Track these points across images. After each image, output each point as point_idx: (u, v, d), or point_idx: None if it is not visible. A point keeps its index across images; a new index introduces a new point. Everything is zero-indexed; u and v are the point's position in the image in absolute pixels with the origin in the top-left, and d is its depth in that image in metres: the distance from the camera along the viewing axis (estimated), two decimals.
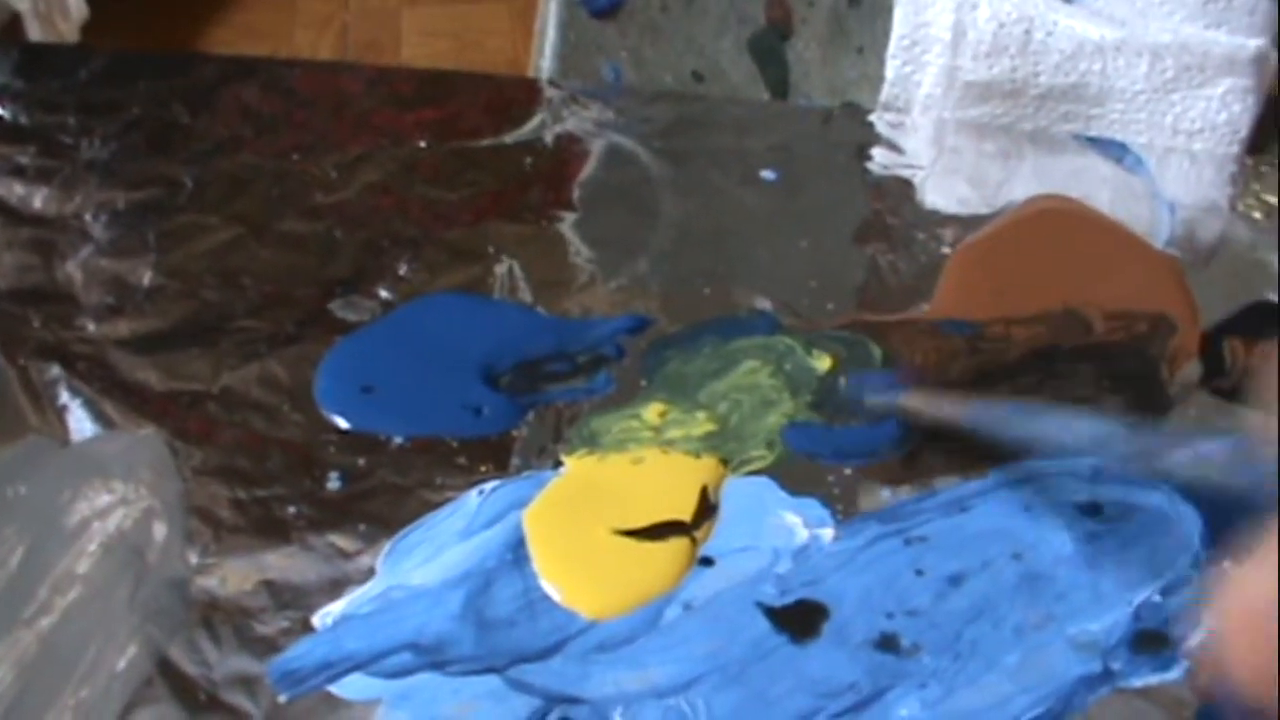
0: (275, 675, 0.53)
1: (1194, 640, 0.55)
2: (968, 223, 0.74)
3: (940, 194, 0.76)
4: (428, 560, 0.57)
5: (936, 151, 0.80)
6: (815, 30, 0.88)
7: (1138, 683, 0.54)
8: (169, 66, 0.81)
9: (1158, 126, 0.83)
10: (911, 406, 0.61)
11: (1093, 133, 0.82)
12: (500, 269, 0.69)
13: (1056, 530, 0.59)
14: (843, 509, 0.59)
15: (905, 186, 0.76)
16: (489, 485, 0.59)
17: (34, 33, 1.69)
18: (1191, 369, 0.66)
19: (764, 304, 0.68)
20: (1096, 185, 0.78)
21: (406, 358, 0.64)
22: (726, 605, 0.56)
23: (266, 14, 1.97)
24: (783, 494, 0.60)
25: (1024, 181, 0.78)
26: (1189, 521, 0.59)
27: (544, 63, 0.86)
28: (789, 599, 0.56)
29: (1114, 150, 0.81)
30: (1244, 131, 0.83)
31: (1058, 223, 0.75)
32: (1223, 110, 0.82)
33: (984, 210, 0.75)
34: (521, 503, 0.59)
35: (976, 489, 0.60)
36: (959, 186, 0.77)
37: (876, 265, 0.71)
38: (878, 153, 0.78)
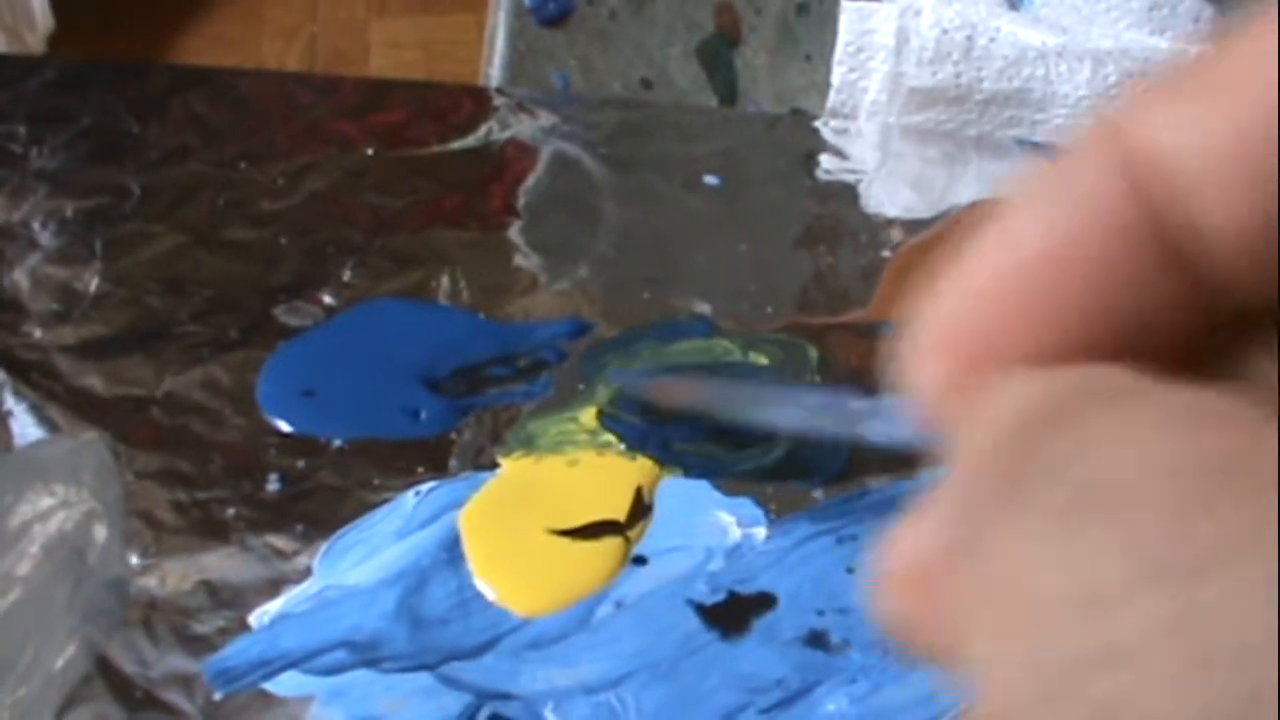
0: (211, 673, 0.54)
1: None
2: (910, 227, 0.75)
3: (884, 199, 0.77)
4: (364, 560, 0.57)
5: (881, 156, 0.80)
6: (763, 38, 0.89)
7: None
8: (120, 76, 0.81)
9: None
10: (659, 393, 0.61)
11: (1037, 138, 0.83)
12: (444, 275, 0.69)
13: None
14: (775, 508, 0.60)
15: (849, 191, 0.77)
16: (426, 486, 0.60)
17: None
18: None
19: (703, 308, 0.68)
20: None
21: (348, 362, 0.65)
22: (658, 603, 0.57)
23: (234, 25, 1.97)
24: (717, 494, 0.61)
25: (968, 186, 0.79)
26: None
27: (493, 71, 0.87)
28: (720, 597, 0.57)
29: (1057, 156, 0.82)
30: None
31: None
32: None
33: (927, 215, 0.76)
34: (458, 504, 0.59)
35: (908, 488, 0.61)
36: (903, 191, 0.78)
37: (818, 269, 0.72)
38: (823, 158, 0.79)
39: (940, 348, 0.20)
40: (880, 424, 0.24)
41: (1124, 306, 0.19)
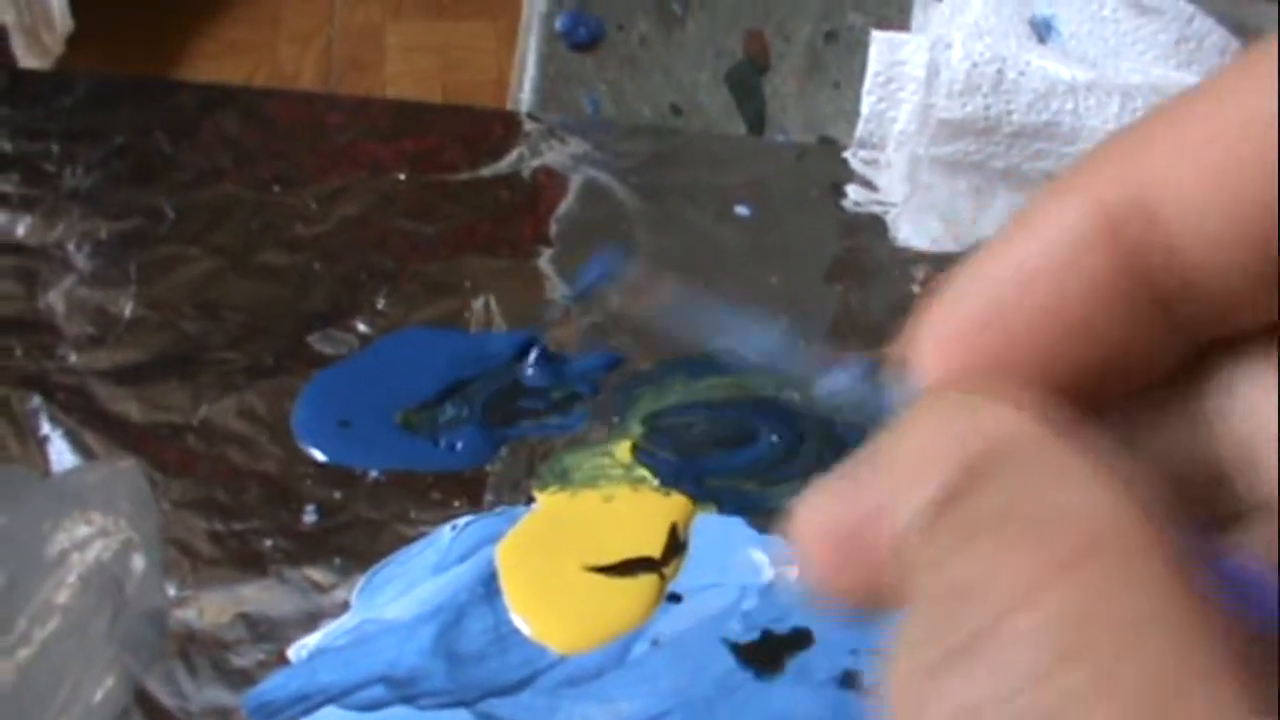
0: (250, 707, 0.54)
1: None
2: (939, 261, 0.75)
3: (912, 231, 0.77)
4: (401, 594, 0.58)
5: (910, 188, 0.81)
6: (792, 64, 0.89)
7: None
8: (151, 94, 0.82)
9: None
10: (627, 292, 0.61)
11: (1064, 171, 0.84)
12: (476, 303, 0.70)
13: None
14: None
15: (878, 223, 0.77)
16: (462, 520, 0.60)
17: (18, 45, 1.70)
18: None
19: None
20: None
21: (382, 392, 0.65)
22: (693, 641, 0.57)
23: (250, 28, 1.98)
24: (751, 531, 0.61)
25: (995, 219, 0.79)
26: None
27: (524, 95, 0.87)
28: (754, 635, 0.57)
29: None
30: None
31: None
32: None
33: (955, 248, 0.76)
34: (494, 538, 0.60)
35: None
36: (931, 223, 0.78)
37: (848, 303, 0.72)
38: (851, 189, 0.79)
39: (934, 343, 0.22)
40: (834, 382, 0.25)
41: (1093, 333, 0.21)
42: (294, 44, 1.96)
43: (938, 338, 0.22)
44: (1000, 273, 0.22)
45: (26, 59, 1.71)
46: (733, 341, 0.56)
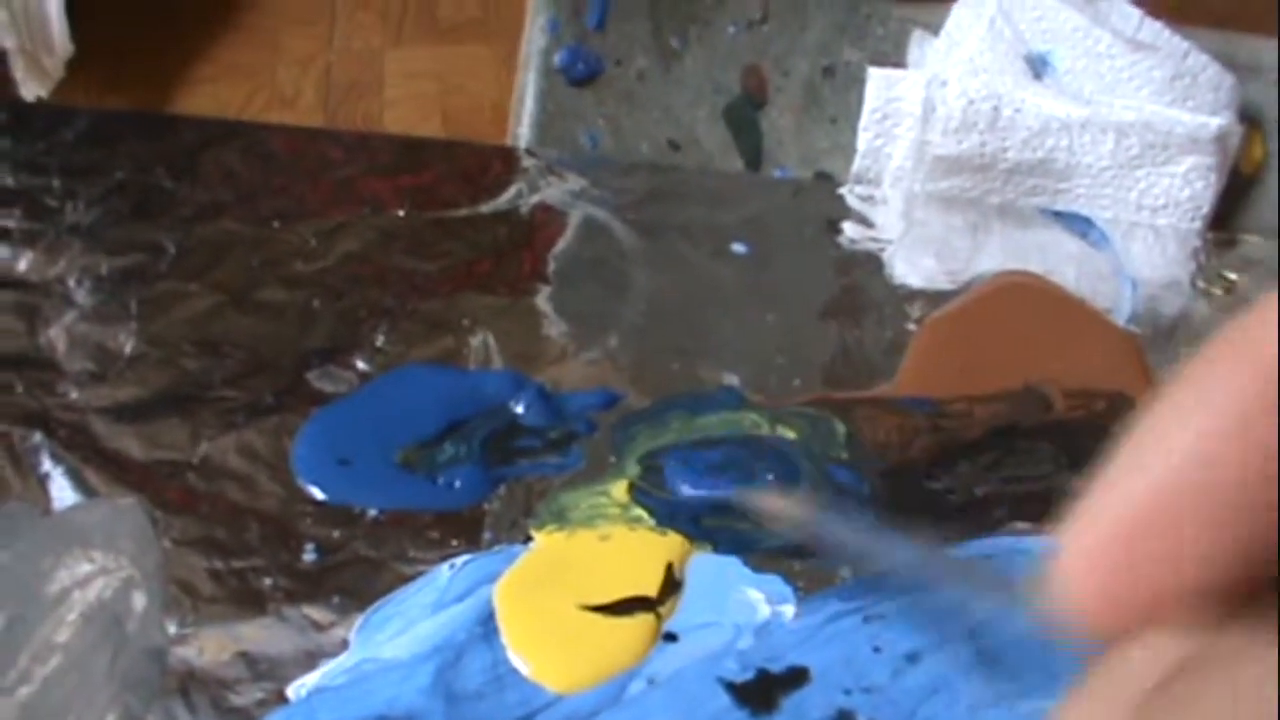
0: None
1: None
2: (934, 298, 0.76)
3: (908, 267, 0.78)
4: (399, 633, 0.58)
5: (905, 224, 0.81)
6: (789, 100, 0.90)
7: None
8: (152, 128, 0.82)
9: (1123, 202, 0.85)
10: (767, 507, 0.62)
11: (1059, 207, 0.84)
12: (475, 341, 0.70)
13: (1012, 608, 0.61)
14: (804, 585, 0.61)
15: (874, 260, 0.78)
16: (460, 559, 0.61)
17: (18, 69, 1.71)
18: None
19: (731, 380, 0.69)
20: (1062, 260, 0.80)
21: (381, 430, 0.66)
22: (689, 680, 0.57)
23: (250, 52, 1.98)
24: (746, 570, 0.61)
25: (991, 255, 0.80)
26: None
27: (522, 130, 0.88)
28: (750, 674, 0.58)
29: (1079, 226, 0.83)
30: (1206, 208, 0.85)
31: (1021, 299, 0.77)
32: (1186, 187, 0.84)
33: (950, 286, 0.77)
34: (491, 577, 0.60)
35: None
36: (926, 260, 0.79)
37: (843, 341, 0.73)
38: (848, 225, 0.80)
39: (1092, 560, 0.20)
40: (977, 586, 0.25)
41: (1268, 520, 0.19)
42: (293, 68, 1.97)
43: (1090, 554, 0.20)
44: (1168, 459, 0.19)
45: (27, 82, 1.71)
46: (876, 557, 0.57)
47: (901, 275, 0.77)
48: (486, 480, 0.64)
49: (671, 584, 0.60)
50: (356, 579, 0.60)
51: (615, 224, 0.77)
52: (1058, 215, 0.84)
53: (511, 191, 0.79)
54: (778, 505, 0.61)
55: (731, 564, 0.62)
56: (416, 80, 1.97)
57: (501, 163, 0.81)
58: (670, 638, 0.59)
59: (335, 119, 1.85)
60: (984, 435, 0.68)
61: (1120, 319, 0.76)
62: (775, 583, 0.61)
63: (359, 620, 0.59)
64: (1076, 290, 0.77)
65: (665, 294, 0.74)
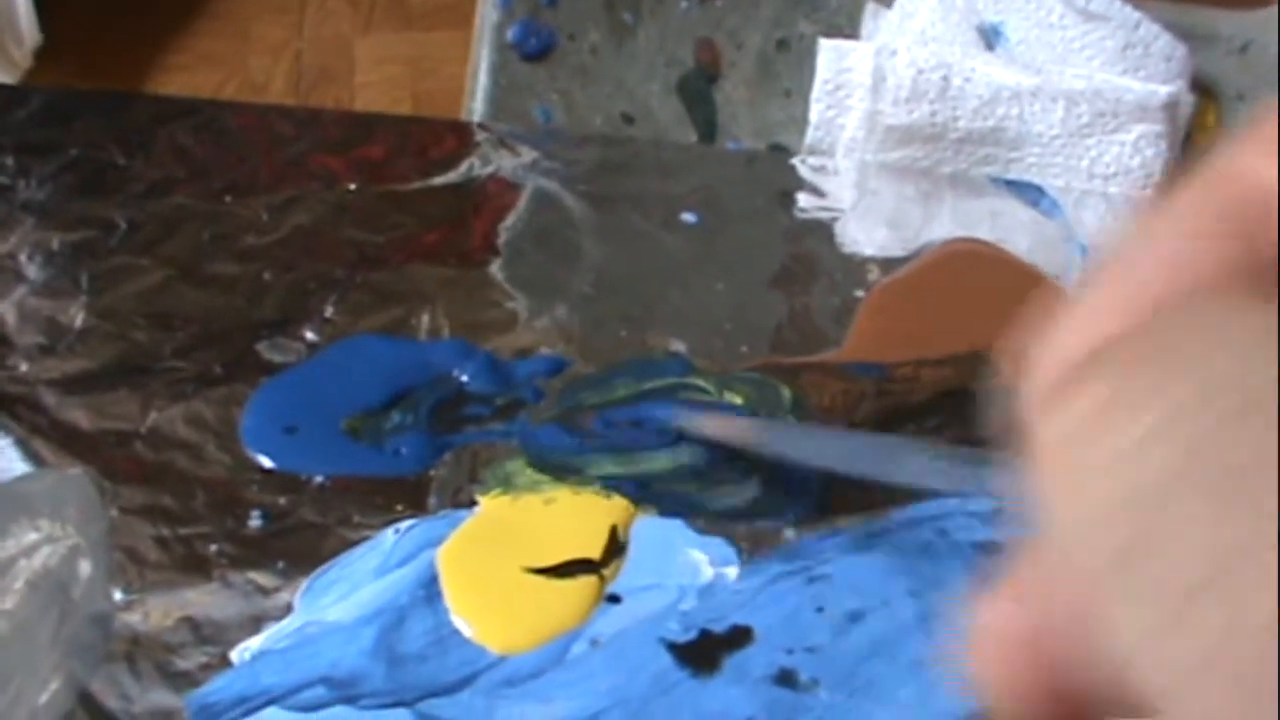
0: (193, 709, 0.55)
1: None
2: (885, 265, 0.76)
3: (860, 237, 0.78)
4: (343, 597, 0.58)
5: (858, 194, 0.82)
6: (743, 73, 0.90)
7: None
8: (106, 107, 0.82)
9: (1074, 170, 0.85)
10: (709, 425, 0.63)
11: (1011, 176, 0.85)
12: (424, 311, 0.70)
13: (955, 569, 0.61)
14: (747, 547, 0.61)
15: (825, 230, 0.78)
16: (405, 524, 0.61)
17: None
18: None
19: (679, 346, 0.70)
20: (1014, 228, 0.80)
21: (328, 399, 0.66)
22: (631, 641, 0.58)
23: (221, 41, 1.98)
24: (690, 533, 0.62)
25: (943, 224, 0.80)
26: None
27: (476, 105, 0.88)
28: (692, 635, 0.58)
29: (1031, 194, 0.83)
30: (1157, 175, 0.85)
31: (970, 265, 0.77)
32: (1136, 155, 0.84)
33: (901, 253, 0.77)
34: (435, 541, 0.60)
35: (878, 528, 0.62)
36: (878, 229, 0.79)
37: (793, 308, 0.73)
38: (800, 196, 0.80)
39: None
40: (921, 468, 0.25)
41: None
42: (264, 55, 1.97)
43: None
44: (1138, 284, 0.21)
45: None
46: (818, 450, 0.57)
47: (853, 244, 0.78)
48: (432, 447, 0.64)
49: (615, 546, 0.61)
50: (302, 545, 0.60)
51: (566, 195, 0.77)
52: (1009, 184, 0.84)
53: (464, 166, 0.79)
54: (719, 424, 0.62)
55: (676, 527, 0.62)
56: (387, 66, 1.97)
57: (454, 137, 0.82)
58: (614, 599, 0.59)
59: (306, 106, 1.85)
60: (930, 399, 0.68)
61: (1069, 286, 0.76)
62: (719, 545, 0.61)
63: (303, 585, 0.59)
64: (1029, 258, 0.78)
65: (615, 264, 0.74)
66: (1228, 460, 0.17)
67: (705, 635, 0.58)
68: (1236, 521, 0.17)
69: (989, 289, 0.76)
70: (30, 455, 0.63)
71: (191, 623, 0.58)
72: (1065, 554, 0.20)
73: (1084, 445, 0.19)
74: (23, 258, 0.72)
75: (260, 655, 0.56)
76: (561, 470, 0.63)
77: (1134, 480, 0.18)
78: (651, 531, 0.62)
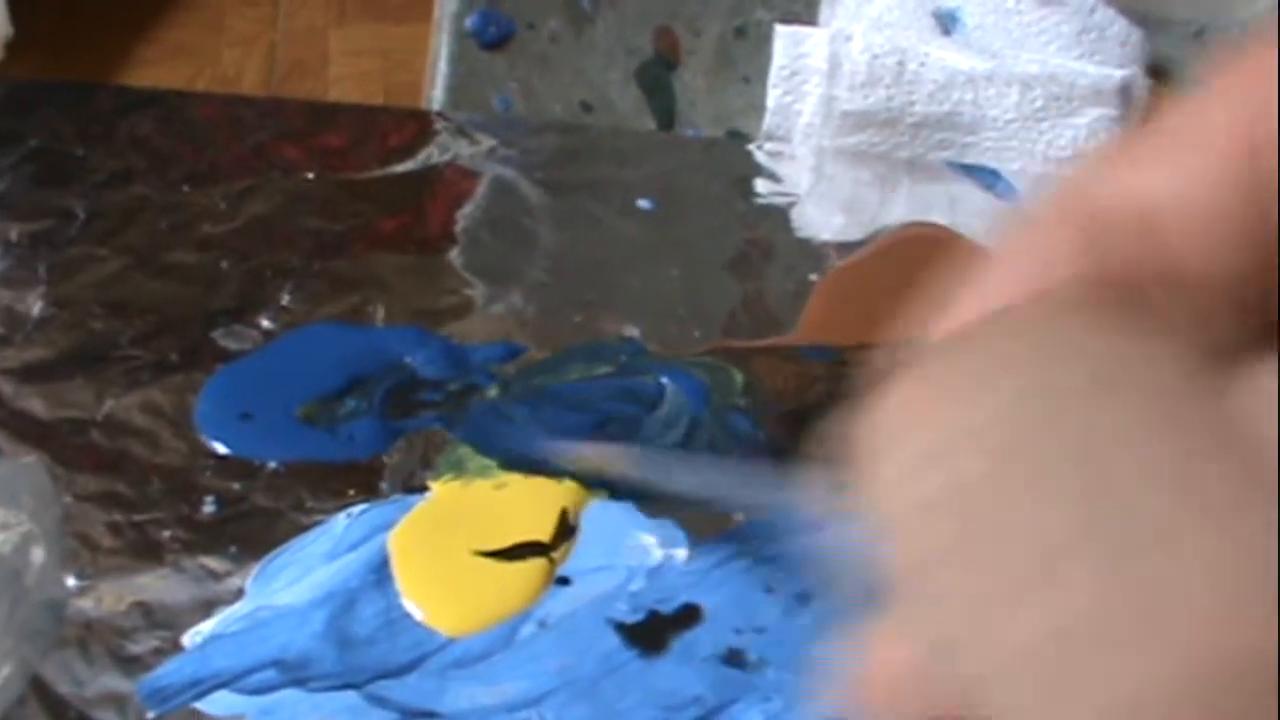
0: (144, 693, 0.55)
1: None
2: (842, 250, 0.76)
3: (817, 221, 0.78)
4: (294, 581, 0.59)
5: (814, 179, 0.82)
6: (702, 60, 0.90)
7: None
8: (69, 97, 0.83)
9: (1029, 153, 0.85)
10: (583, 458, 0.63)
11: (967, 160, 0.85)
12: (381, 299, 0.71)
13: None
14: (697, 530, 0.62)
15: (782, 215, 0.79)
16: (357, 509, 0.62)
17: None
18: None
19: (632, 331, 0.70)
20: (971, 212, 0.81)
21: (283, 385, 0.67)
22: (580, 622, 0.58)
23: (194, 32, 1.97)
24: (640, 516, 0.62)
25: (899, 208, 0.81)
26: None
27: (436, 94, 0.88)
28: (640, 616, 0.59)
29: (986, 178, 0.83)
30: None
31: (924, 249, 0.77)
32: (1091, 138, 0.85)
33: (858, 237, 0.78)
34: (387, 526, 0.61)
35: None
36: (835, 214, 0.80)
37: (746, 293, 0.74)
38: (758, 182, 0.80)
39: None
40: (788, 498, 0.25)
41: None
42: (237, 48, 1.96)
43: None
44: (992, 301, 0.22)
45: None
46: (685, 478, 0.57)
47: (810, 229, 0.78)
48: (386, 432, 0.65)
49: (565, 529, 0.61)
50: (254, 530, 0.61)
51: (523, 183, 0.78)
52: (966, 168, 0.85)
53: (422, 154, 0.79)
54: (596, 452, 0.62)
55: (626, 510, 0.62)
56: (360, 58, 1.97)
57: (413, 126, 0.82)
58: (563, 581, 0.60)
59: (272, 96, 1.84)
60: None
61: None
62: (668, 528, 0.62)
63: (255, 569, 0.59)
64: (985, 242, 0.78)
65: (571, 250, 0.75)
66: (1044, 459, 0.18)
67: (654, 616, 0.59)
68: (1058, 518, 0.18)
69: (942, 272, 0.76)
70: None
71: (144, 608, 0.58)
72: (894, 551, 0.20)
73: (898, 446, 0.20)
74: None
75: (212, 639, 0.57)
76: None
77: (953, 480, 0.19)
78: (602, 514, 0.62)
